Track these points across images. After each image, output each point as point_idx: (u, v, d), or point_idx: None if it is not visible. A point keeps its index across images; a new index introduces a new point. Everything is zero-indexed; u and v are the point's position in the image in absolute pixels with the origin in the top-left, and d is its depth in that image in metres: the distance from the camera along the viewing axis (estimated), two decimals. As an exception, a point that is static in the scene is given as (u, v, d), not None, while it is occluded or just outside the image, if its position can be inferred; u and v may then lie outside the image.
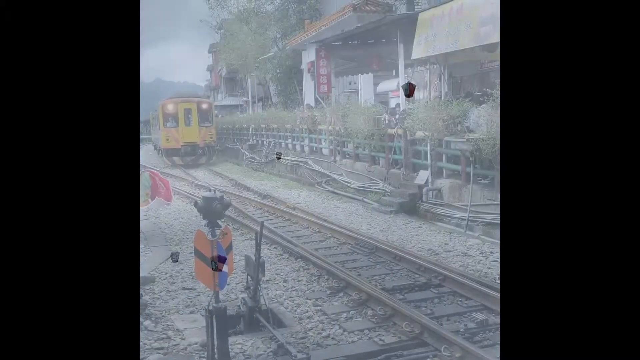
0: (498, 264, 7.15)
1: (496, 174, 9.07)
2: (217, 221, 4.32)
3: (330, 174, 15.85)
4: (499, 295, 5.46)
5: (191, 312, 5.90)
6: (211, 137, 25.88)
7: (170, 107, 25.51)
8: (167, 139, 25.40)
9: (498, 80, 8.94)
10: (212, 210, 4.21)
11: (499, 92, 8.48)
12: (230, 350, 4.45)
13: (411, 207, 11.26)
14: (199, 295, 6.45)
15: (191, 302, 6.23)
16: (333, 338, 5.07)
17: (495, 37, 8.85)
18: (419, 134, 11.24)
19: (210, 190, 4.67)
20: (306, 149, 18.61)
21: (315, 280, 6.84)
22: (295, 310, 5.77)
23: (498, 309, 5.37)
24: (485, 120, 9.51)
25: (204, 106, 26.30)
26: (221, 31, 36.61)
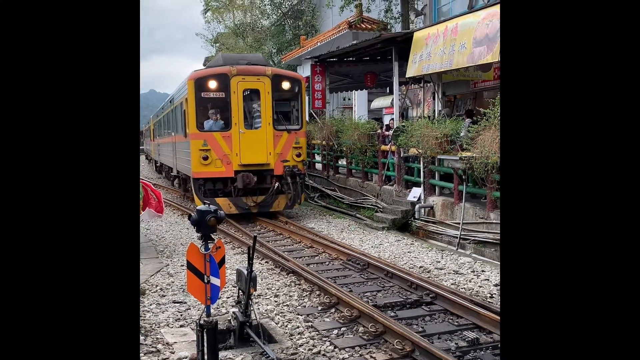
0: (489, 282, 7.17)
1: (488, 193, 9.13)
2: (211, 235, 4.32)
3: (324, 189, 15.88)
4: (490, 313, 5.48)
5: (181, 326, 5.86)
6: (299, 155, 12.50)
7: (213, 86, 12.00)
8: (205, 159, 11.84)
9: (491, 100, 9.06)
10: (206, 223, 4.21)
11: (489, 111, 8.58)
12: (220, 365, 4.42)
13: (403, 224, 11.29)
14: (190, 308, 6.41)
15: (181, 315, 6.18)
16: (324, 354, 5.04)
17: (489, 58, 8.96)
18: (412, 151, 11.30)
19: (204, 203, 4.67)
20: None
21: (306, 295, 6.82)
22: (286, 326, 5.74)
23: (489, 328, 5.38)
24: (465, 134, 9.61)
25: (286, 85, 12.48)
26: (217, 45, 36.85)
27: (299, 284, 7.30)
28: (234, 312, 5.43)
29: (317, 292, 6.82)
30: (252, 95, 12.48)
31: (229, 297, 6.64)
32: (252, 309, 5.14)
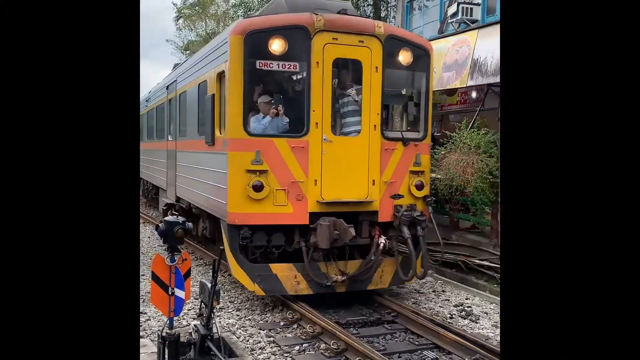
0: (449, 303, 7.30)
1: (451, 214, 9.34)
2: (177, 246, 4.29)
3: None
4: (449, 334, 5.57)
5: (140, 337, 5.75)
6: (421, 187, 6.79)
7: (279, 49, 6.16)
8: (257, 189, 6.12)
9: (456, 123, 9.31)
10: (173, 235, 4.18)
11: (455, 134, 8.80)
12: (180, 379, 4.36)
13: (367, 241, 11.35)
14: (150, 319, 6.30)
15: (141, 326, 6.06)
16: (285, 370, 5.03)
17: (457, 83, 9.23)
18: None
19: (172, 214, 4.64)
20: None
21: (269, 310, 6.79)
22: (248, 341, 5.70)
23: (448, 348, 5.47)
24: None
25: (405, 57, 6.83)
26: (187, 52, 36.60)
27: (262, 299, 7.27)
28: (195, 325, 5.35)
29: (280, 307, 6.80)
30: (344, 71, 6.98)
31: (190, 309, 6.56)
32: (214, 322, 5.09)
